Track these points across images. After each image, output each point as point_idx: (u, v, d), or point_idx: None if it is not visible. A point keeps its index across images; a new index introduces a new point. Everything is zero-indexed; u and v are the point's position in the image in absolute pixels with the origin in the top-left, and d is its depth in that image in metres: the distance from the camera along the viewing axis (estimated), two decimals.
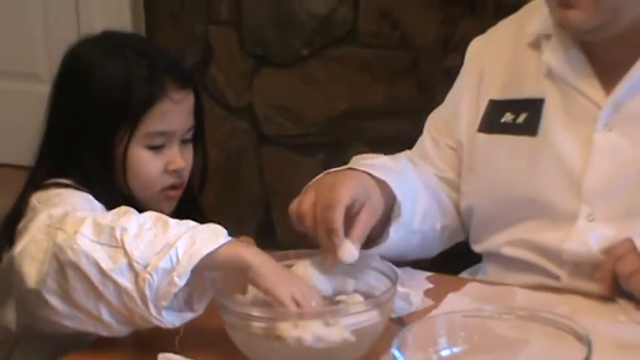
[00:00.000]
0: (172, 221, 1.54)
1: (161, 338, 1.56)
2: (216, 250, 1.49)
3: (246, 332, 1.53)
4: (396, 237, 1.76)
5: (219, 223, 1.55)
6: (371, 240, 1.72)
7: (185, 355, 1.54)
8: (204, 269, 1.51)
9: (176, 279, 1.48)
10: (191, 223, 1.54)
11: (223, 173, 3.40)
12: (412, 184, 1.84)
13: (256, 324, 1.51)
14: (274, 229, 3.34)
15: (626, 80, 1.75)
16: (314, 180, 1.73)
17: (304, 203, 1.65)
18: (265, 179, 3.43)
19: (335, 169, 1.74)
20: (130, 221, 1.53)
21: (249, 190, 3.45)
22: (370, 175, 1.71)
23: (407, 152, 2.00)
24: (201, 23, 3.45)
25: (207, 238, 1.51)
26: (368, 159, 1.84)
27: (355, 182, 1.66)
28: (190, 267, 1.48)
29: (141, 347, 1.57)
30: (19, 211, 1.74)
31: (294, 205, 1.67)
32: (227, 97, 3.44)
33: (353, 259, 1.61)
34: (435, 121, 2.01)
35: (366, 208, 1.65)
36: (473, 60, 1.99)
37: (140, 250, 1.50)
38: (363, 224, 1.64)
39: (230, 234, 1.53)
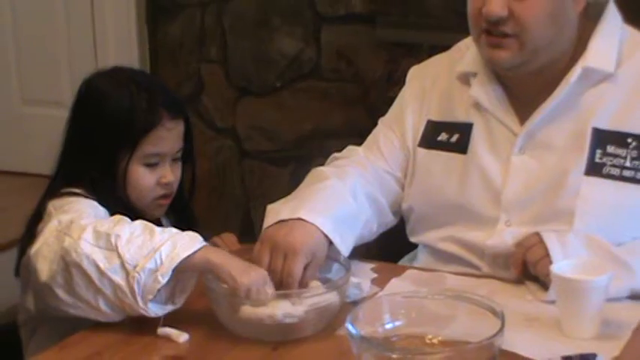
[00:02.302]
0: (157, 229, 1.53)
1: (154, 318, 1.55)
2: (193, 254, 1.49)
3: (229, 310, 1.53)
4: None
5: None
6: None
7: (179, 329, 1.54)
8: (183, 270, 1.50)
9: (160, 277, 1.49)
10: (173, 230, 1.54)
11: (212, 181, 3.38)
12: (355, 208, 1.75)
13: (236, 304, 1.51)
14: (253, 227, 3.31)
15: (537, 114, 1.75)
16: (269, 229, 1.64)
17: (262, 263, 1.58)
18: (246, 186, 3.41)
19: (288, 217, 1.63)
20: (123, 229, 1.53)
21: (233, 194, 3.43)
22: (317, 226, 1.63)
23: (358, 155, 1.91)
24: (194, 61, 3.44)
25: (186, 244, 1.50)
26: (321, 181, 1.77)
27: (303, 248, 1.58)
28: (172, 267, 1.48)
29: (138, 325, 1.56)
30: (38, 215, 1.73)
31: (253, 256, 1.61)
32: (215, 120, 3.42)
33: None
34: (386, 125, 1.94)
35: (311, 266, 1.60)
36: (414, 81, 1.95)
37: (131, 253, 1.50)
38: (308, 279, 1.59)
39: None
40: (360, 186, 1.82)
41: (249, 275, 1.50)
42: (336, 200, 1.73)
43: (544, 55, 1.71)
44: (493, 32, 1.69)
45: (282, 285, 1.57)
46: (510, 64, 1.72)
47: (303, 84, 3.27)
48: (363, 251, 1.86)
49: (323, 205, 1.69)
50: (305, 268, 1.59)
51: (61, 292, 1.54)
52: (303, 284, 1.58)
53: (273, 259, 1.59)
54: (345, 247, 1.67)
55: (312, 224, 1.62)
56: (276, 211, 1.67)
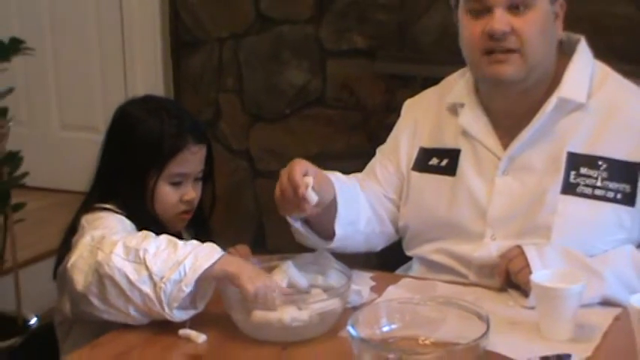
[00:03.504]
0: (180, 243, 1.54)
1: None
2: (213, 265, 1.50)
3: (243, 314, 1.52)
4: (347, 233, 1.74)
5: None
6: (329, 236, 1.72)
7: (198, 331, 1.54)
8: (204, 279, 1.51)
9: (184, 287, 1.49)
10: (195, 243, 1.54)
11: (228, 198, 3.38)
12: (358, 196, 1.81)
13: (249, 308, 1.51)
14: (265, 239, 3.32)
15: (518, 140, 1.75)
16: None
17: (276, 194, 1.64)
18: (258, 202, 3.42)
19: None
20: (149, 244, 1.53)
21: (246, 210, 3.43)
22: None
23: (358, 175, 1.93)
24: (213, 91, 3.45)
25: (207, 255, 1.51)
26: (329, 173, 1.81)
27: (306, 161, 1.64)
28: (194, 278, 1.49)
29: (161, 327, 1.55)
30: (73, 227, 1.73)
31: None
32: (231, 143, 3.43)
33: (314, 201, 1.59)
34: (383, 153, 1.95)
35: (317, 172, 1.64)
36: (408, 113, 1.96)
37: (157, 265, 1.50)
38: (316, 173, 1.63)
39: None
40: (362, 193, 1.84)
41: (258, 281, 1.50)
42: (341, 183, 1.76)
43: (537, 71, 1.71)
44: (497, 50, 1.68)
45: (290, 197, 1.58)
46: (515, 78, 1.70)
47: (309, 111, 3.28)
48: (363, 262, 1.86)
49: (329, 182, 1.71)
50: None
51: (95, 300, 1.55)
52: (312, 173, 1.60)
53: (280, 178, 1.61)
54: (341, 206, 1.69)
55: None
56: None
